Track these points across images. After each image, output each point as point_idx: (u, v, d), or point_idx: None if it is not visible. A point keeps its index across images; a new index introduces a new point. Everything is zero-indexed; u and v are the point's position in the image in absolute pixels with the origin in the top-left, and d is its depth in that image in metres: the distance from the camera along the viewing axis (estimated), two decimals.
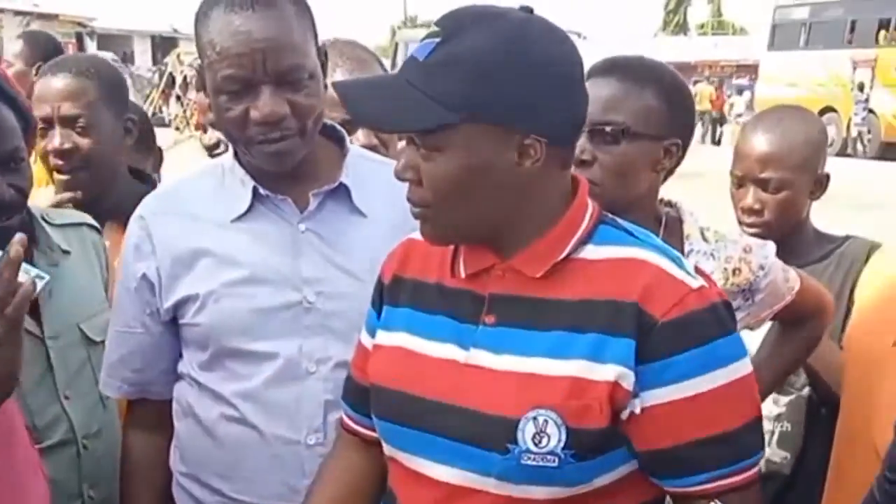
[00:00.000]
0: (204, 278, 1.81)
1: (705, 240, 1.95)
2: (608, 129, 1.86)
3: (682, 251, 1.91)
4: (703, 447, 1.36)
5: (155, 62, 35.88)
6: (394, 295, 1.57)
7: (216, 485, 1.86)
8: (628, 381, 1.35)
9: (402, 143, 2.42)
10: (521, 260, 1.43)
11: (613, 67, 1.91)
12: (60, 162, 2.39)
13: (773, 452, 2.28)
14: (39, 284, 1.53)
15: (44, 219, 2.05)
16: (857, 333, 1.98)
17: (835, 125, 21.41)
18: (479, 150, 1.36)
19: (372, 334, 1.60)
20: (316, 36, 1.81)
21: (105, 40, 35.58)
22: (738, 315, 1.93)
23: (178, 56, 25.06)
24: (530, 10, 1.41)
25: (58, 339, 1.97)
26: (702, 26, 46.87)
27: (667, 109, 1.90)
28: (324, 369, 1.78)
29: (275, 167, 1.79)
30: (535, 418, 1.35)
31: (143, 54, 39.10)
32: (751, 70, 30.17)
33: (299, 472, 1.77)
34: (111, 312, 1.98)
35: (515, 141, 1.36)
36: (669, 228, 1.96)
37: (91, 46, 31.94)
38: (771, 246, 1.98)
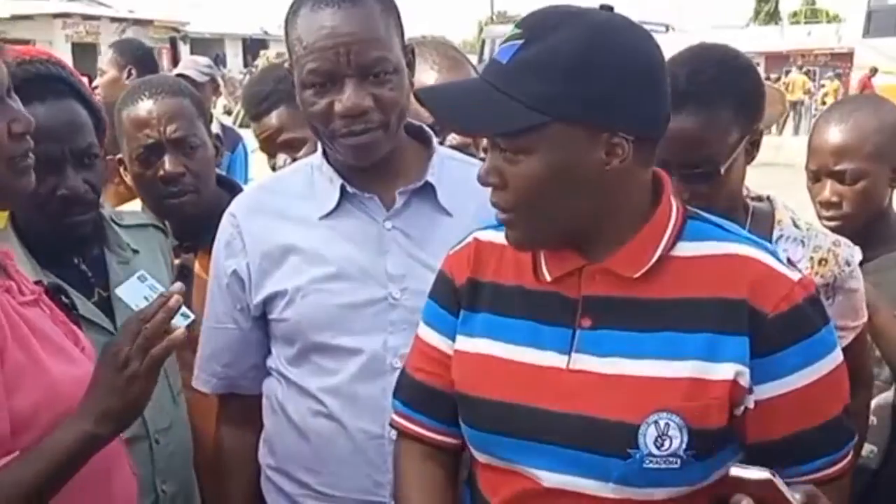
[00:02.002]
0: (292, 274, 1.85)
1: (797, 227, 1.96)
2: (699, 170, 1.85)
3: (770, 237, 1.92)
4: (814, 435, 1.39)
5: (246, 64, 36.52)
6: (472, 298, 1.56)
7: (303, 478, 1.89)
8: (745, 378, 1.36)
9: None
10: (616, 260, 1.42)
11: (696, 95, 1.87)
12: (173, 188, 2.30)
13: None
14: (182, 322, 1.58)
15: (113, 220, 2.10)
16: None
17: None
18: (567, 149, 1.35)
19: (451, 338, 1.58)
20: (402, 32, 1.83)
21: (197, 44, 36.32)
22: None
23: (268, 58, 25.49)
24: (610, 9, 1.40)
25: None
26: (794, 14, 45.85)
27: (762, 99, 1.93)
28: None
29: (358, 160, 1.82)
30: (656, 422, 1.36)
31: (234, 57, 39.84)
32: (845, 58, 29.38)
33: (383, 466, 1.79)
34: (204, 310, 2.02)
35: (603, 139, 1.35)
36: (756, 218, 1.96)
37: (184, 50, 32.64)
38: (857, 251, 1.98)
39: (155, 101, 2.31)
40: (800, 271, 1.44)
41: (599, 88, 1.33)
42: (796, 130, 24.47)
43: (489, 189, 1.43)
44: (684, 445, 1.35)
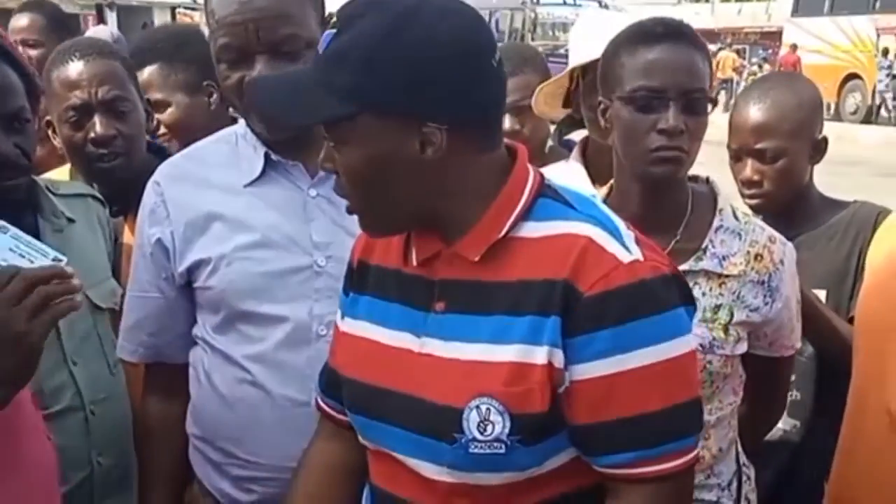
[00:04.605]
0: (216, 242, 1.83)
1: (736, 218, 1.95)
2: (698, 97, 1.85)
3: (710, 224, 1.92)
4: (623, 426, 1.33)
5: None
6: (360, 282, 1.55)
7: (229, 448, 1.89)
8: (558, 360, 1.33)
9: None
10: (462, 244, 1.39)
11: (680, 33, 1.89)
12: (104, 151, 2.28)
13: (784, 420, 2.29)
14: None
15: (48, 189, 2.06)
16: (870, 300, 1.98)
17: (860, 92, 21.20)
18: (378, 141, 1.33)
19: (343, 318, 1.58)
20: (321, 5, 1.82)
21: (125, 12, 35.50)
22: (756, 316, 1.91)
23: (198, 27, 25.05)
24: None
25: None
26: None
27: (710, 74, 1.92)
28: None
29: (271, 135, 1.82)
30: (478, 407, 1.34)
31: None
32: (775, 37, 29.85)
33: (309, 434, 1.77)
34: (129, 278, 2.00)
35: (413, 129, 1.32)
36: (697, 201, 1.95)
37: (111, 18, 31.89)
38: (791, 248, 1.97)
39: (86, 63, 2.29)
40: (646, 253, 1.37)
41: (398, 77, 1.29)
42: (726, 107, 24.79)
43: None
44: (507, 430, 1.33)
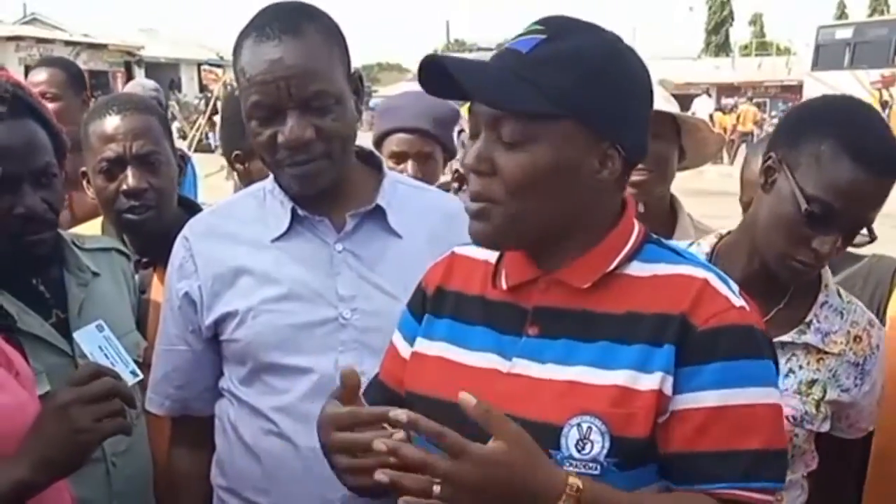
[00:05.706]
0: (243, 296, 1.87)
1: (839, 296, 1.95)
2: (859, 232, 1.82)
3: (815, 298, 1.92)
4: (718, 459, 1.36)
5: (202, 89, 36.34)
6: (437, 305, 1.59)
7: (254, 498, 1.90)
8: (668, 386, 1.37)
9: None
10: (568, 272, 1.45)
11: (891, 168, 1.79)
12: (135, 203, 2.32)
13: None
14: (133, 380, 1.69)
15: (74, 243, 2.10)
16: (891, 353, 1.98)
17: None
18: (570, 148, 1.39)
19: (411, 342, 1.62)
20: (347, 60, 1.87)
21: (152, 68, 36.04)
22: (846, 396, 1.90)
23: (225, 83, 25.38)
24: None
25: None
26: (745, 47, 46.52)
27: None
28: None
29: (303, 189, 1.86)
30: (579, 425, 1.37)
31: (190, 81, 39.56)
32: (795, 90, 29.91)
33: (334, 485, 1.79)
34: (157, 332, 2.03)
35: (601, 148, 1.41)
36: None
37: (139, 75, 32.35)
38: (884, 334, 1.96)
39: (122, 117, 2.35)
40: (746, 303, 1.43)
41: (612, 98, 1.39)
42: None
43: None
44: (605, 451, 1.35)
